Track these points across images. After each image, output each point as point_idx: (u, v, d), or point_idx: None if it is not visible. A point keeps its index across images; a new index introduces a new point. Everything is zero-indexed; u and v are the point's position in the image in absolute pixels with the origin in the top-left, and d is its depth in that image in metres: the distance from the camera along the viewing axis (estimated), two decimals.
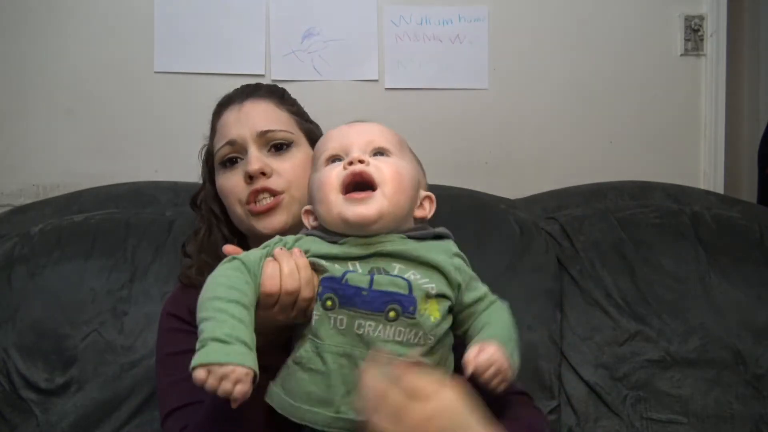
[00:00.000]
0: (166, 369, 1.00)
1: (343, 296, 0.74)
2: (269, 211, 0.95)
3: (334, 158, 0.82)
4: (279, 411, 0.76)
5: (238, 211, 0.99)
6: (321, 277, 0.77)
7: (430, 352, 0.76)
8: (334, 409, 0.73)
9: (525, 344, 1.34)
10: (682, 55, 1.82)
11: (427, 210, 0.89)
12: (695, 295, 1.37)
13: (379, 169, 0.79)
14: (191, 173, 1.52)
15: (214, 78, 1.70)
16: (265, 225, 0.95)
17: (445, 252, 0.81)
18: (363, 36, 1.73)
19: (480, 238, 1.41)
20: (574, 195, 1.56)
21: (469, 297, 0.81)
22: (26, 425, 1.24)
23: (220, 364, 0.66)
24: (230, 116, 1.02)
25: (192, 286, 0.99)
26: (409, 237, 0.81)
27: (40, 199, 1.56)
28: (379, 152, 0.82)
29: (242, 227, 1.01)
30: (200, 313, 0.72)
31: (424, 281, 0.76)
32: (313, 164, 0.88)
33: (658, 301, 1.37)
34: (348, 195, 0.77)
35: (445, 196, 1.51)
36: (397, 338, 0.73)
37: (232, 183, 0.99)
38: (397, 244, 0.78)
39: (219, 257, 0.82)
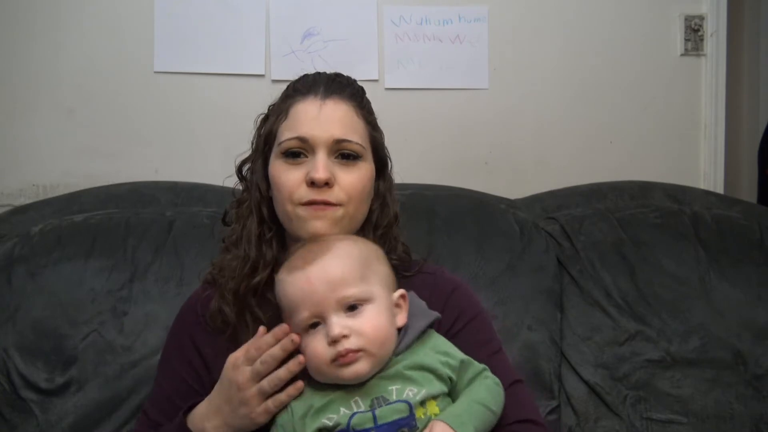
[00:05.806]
0: (160, 372, 1.05)
1: None
2: (321, 217, 0.95)
3: (313, 323, 0.86)
4: None
5: (287, 207, 0.96)
6: None
7: None
8: None
9: (525, 344, 1.36)
10: (682, 55, 1.82)
11: (404, 308, 0.90)
12: (695, 295, 1.37)
13: (360, 335, 0.83)
14: (191, 173, 1.54)
15: (214, 78, 1.70)
16: (310, 228, 0.95)
17: (432, 349, 0.87)
18: (363, 36, 1.73)
19: (480, 238, 1.41)
20: (574, 195, 1.56)
21: (464, 380, 0.88)
22: (26, 425, 1.24)
23: None
24: (309, 110, 0.98)
25: (212, 282, 1.03)
26: (396, 354, 0.87)
27: (40, 199, 1.56)
28: (351, 306, 0.85)
29: (284, 221, 0.99)
30: None
31: (418, 393, 0.83)
32: (288, 315, 0.89)
33: (658, 301, 1.37)
34: (336, 361, 0.83)
35: (445, 196, 1.53)
36: None
37: (291, 179, 0.96)
38: (389, 369, 0.86)
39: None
